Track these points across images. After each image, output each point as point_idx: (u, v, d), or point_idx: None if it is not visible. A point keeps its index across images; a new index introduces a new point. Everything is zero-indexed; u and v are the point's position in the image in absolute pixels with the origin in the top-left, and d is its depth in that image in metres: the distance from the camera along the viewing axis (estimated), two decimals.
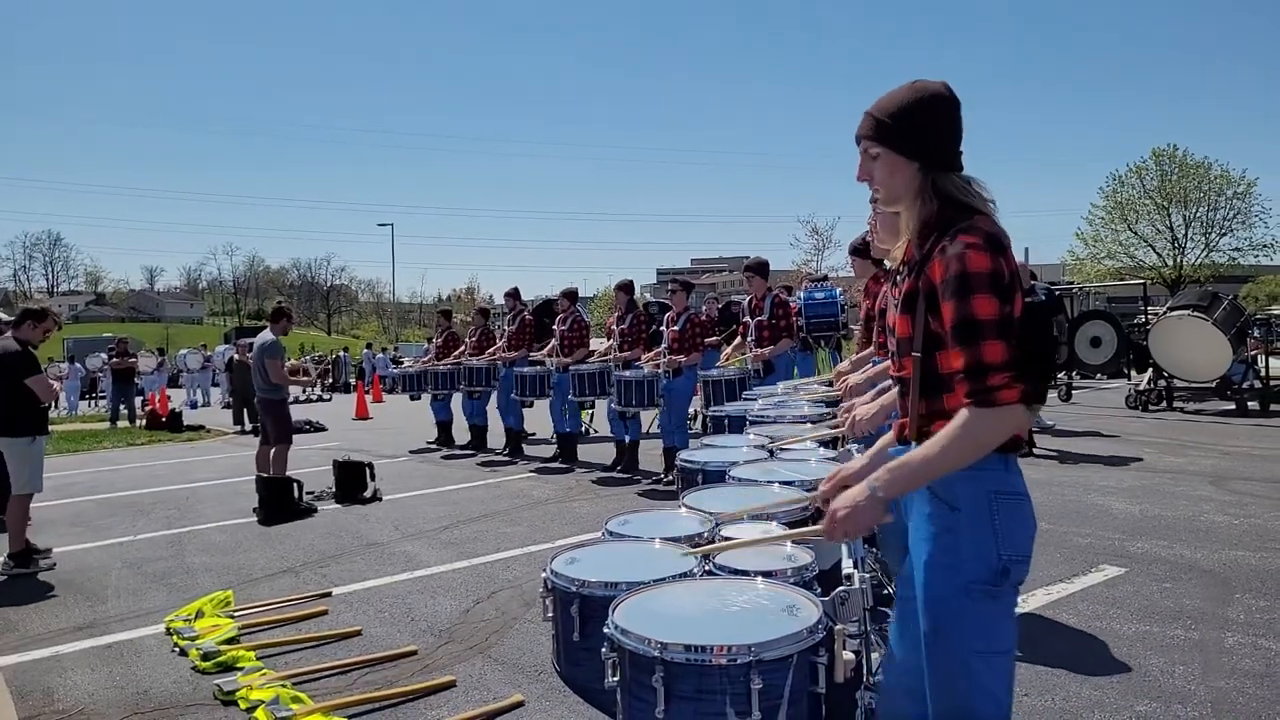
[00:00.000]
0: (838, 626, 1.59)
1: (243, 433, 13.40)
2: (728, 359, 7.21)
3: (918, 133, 1.59)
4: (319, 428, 13.35)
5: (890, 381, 2.00)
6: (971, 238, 1.51)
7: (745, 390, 6.37)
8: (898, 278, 1.74)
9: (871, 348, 3.85)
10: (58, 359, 29.08)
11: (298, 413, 15.25)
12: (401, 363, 15.71)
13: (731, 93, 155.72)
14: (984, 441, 1.48)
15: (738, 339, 7.14)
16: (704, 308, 11.09)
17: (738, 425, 4.40)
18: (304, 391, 21.36)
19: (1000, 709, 1.55)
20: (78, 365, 24.04)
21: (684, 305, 7.34)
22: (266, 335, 6.92)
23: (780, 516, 2.28)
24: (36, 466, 5.25)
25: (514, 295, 9.50)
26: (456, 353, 10.09)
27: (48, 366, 23.86)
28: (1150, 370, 11.19)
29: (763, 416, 4.19)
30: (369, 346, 32.32)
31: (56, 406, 22.84)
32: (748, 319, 6.70)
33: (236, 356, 15.31)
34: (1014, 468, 1.59)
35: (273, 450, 6.71)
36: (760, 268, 6.70)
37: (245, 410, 14.04)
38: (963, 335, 1.48)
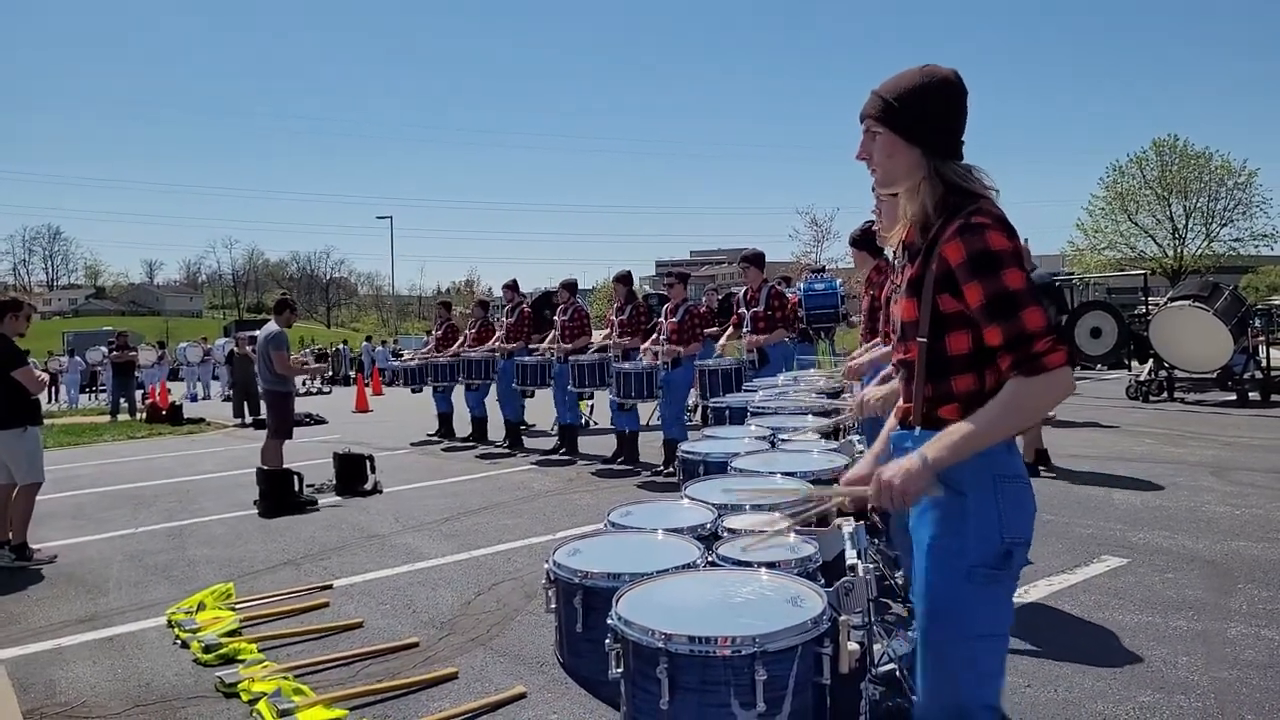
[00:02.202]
0: (842, 617, 1.59)
1: (243, 425, 13.41)
2: (723, 349, 7.21)
3: (923, 118, 1.58)
4: (319, 420, 13.34)
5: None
6: (984, 218, 1.52)
7: (741, 380, 6.36)
8: (896, 263, 1.73)
9: (879, 339, 3.84)
10: (57, 352, 29.09)
11: (297, 406, 15.27)
12: (401, 355, 15.67)
13: (731, 84, 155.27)
14: (1037, 409, 1.50)
15: (731, 329, 7.14)
16: (704, 299, 11.08)
17: (739, 416, 4.39)
18: (304, 384, 21.37)
19: (992, 692, 1.58)
20: (77, 359, 24.02)
21: (683, 297, 7.33)
22: (271, 327, 6.90)
23: (784, 508, 2.27)
24: (35, 457, 5.24)
25: (512, 287, 9.49)
26: (456, 345, 10.08)
27: (47, 360, 23.89)
28: (1151, 361, 11.18)
29: (764, 408, 4.18)
30: (368, 339, 32.29)
31: (56, 399, 22.89)
32: (743, 310, 6.69)
33: (236, 349, 15.30)
34: (1015, 451, 1.60)
35: (267, 441, 6.69)
36: (756, 259, 6.69)
37: (246, 403, 14.03)
38: (999, 309, 1.48)
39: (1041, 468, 6.37)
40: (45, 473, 5.44)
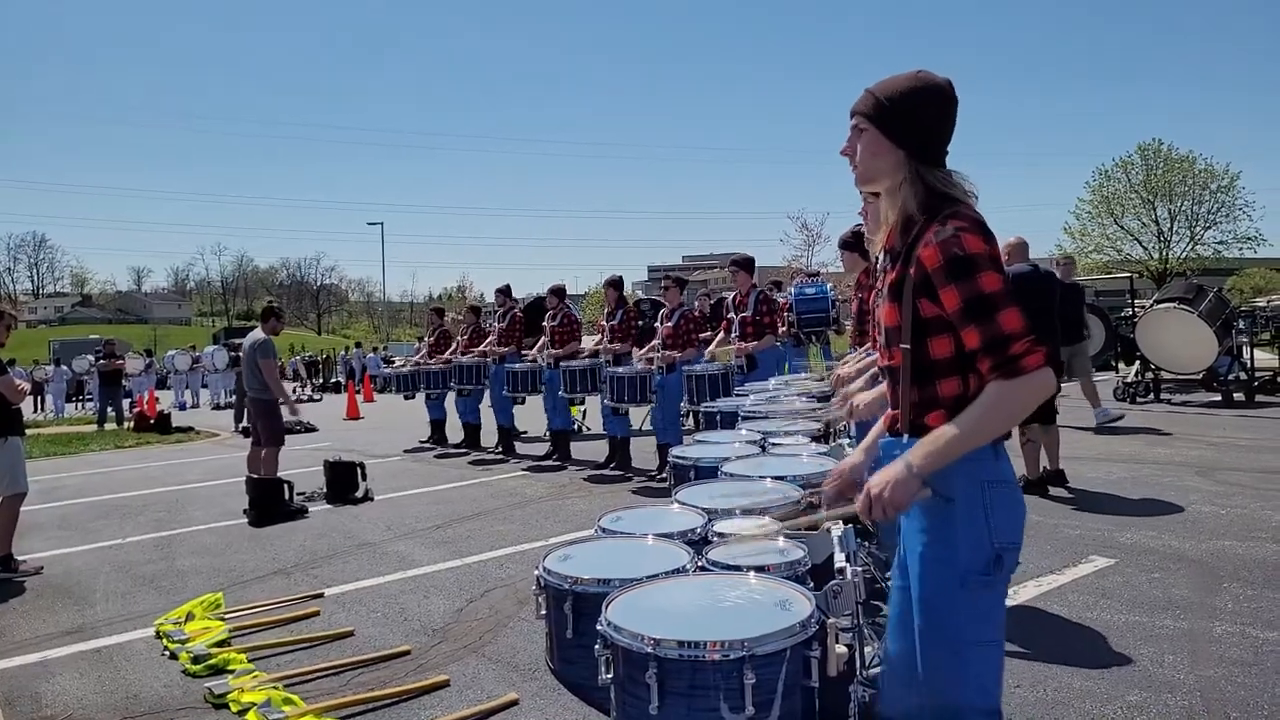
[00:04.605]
0: (830, 620, 1.60)
1: (235, 432, 13.32)
2: (712, 354, 7.24)
3: (911, 121, 1.59)
4: (310, 428, 13.27)
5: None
6: (961, 222, 1.53)
7: (729, 385, 6.38)
8: (879, 267, 1.74)
9: (869, 344, 3.86)
10: (43, 361, 28.83)
11: (289, 412, 15.18)
12: (392, 362, 15.61)
13: (722, 89, 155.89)
14: (1017, 411, 1.50)
15: (721, 334, 7.17)
16: (696, 304, 11.09)
17: (730, 421, 4.40)
18: (294, 391, 21.23)
19: (990, 699, 1.57)
20: (63, 368, 23.81)
21: (678, 301, 7.35)
22: (258, 334, 6.89)
23: (774, 511, 2.28)
24: (18, 467, 5.19)
25: (504, 292, 9.48)
26: (449, 351, 10.06)
27: (32, 369, 23.65)
28: (1137, 363, 11.28)
29: (755, 412, 4.20)
30: (358, 345, 32.07)
31: (42, 409, 22.67)
32: (732, 315, 6.72)
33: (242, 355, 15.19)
34: (1003, 456, 1.61)
35: (263, 451, 6.67)
36: (745, 263, 6.73)
37: (247, 410, 13.94)
38: (975, 312, 1.49)
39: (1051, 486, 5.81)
40: (30, 483, 5.40)
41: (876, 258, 1.75)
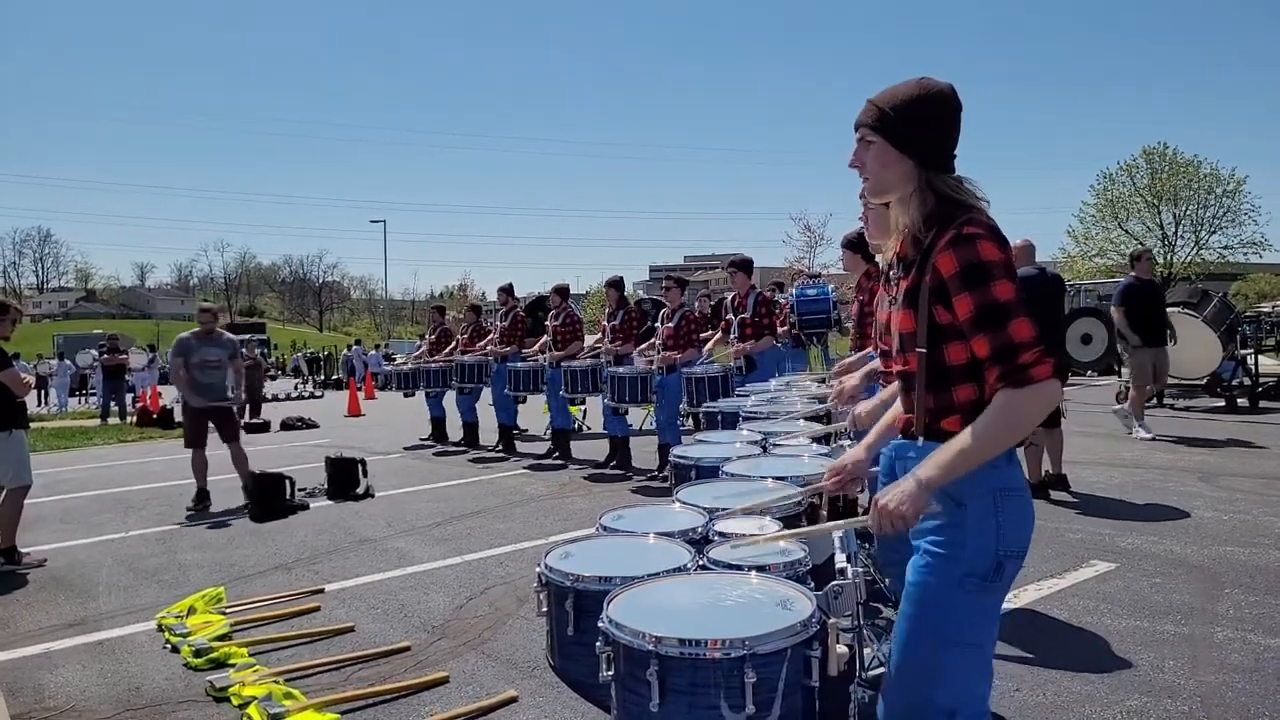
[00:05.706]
0: (831, 620, 1.60)
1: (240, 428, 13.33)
2: (710, 353, 7.25)
3: (916, 129, 1.59)
4: (311, 424, 13.29)
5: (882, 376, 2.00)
6: (976, 229, 1.53)
7: (728, 386, 6.38)
8: (890, 274, 1.73)
9: (869, 346, 3.86)
10: (48, 355, 28.90)
11: (289, 409, 15.23)
12: (393, 359, 15.62)
13: (725, 90, 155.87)
14: (1025, 422, 1.49)
15: (719, 334, 7.17)
16: (696, 304, 11.09)
17: (731, 422, 4.41)
18: (295, 387, 21.26)
19: (959, 701, 1.55)
20: (67, 362, 23.88)
21: (679, 301, 7.35)
22: (183, 333, 6.98)
23: (775, 511, 2.29)
24: (22, 460, 5.21)
25: (507, 291, 9.48)
26: (449, 349, 10.07)
27: (36, 363, 23.69)
28: None
29: (756, 413, 4.20)
30: (358, 343, 32.02)
31: (46, 402, 22.72)
32: (731, 316, 6.73)
33: (246, 353, 15.22)
34: (1015, 462, 1.60)
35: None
36: (744, 265, 6.74)
37: (248, 407, 13.96)
38: (988, 320, 1.48)
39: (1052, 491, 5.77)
40: (34, 476, 5.41)
41: (889, 265, 1.74)
